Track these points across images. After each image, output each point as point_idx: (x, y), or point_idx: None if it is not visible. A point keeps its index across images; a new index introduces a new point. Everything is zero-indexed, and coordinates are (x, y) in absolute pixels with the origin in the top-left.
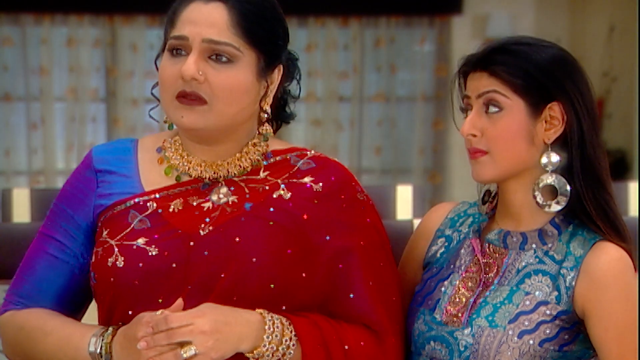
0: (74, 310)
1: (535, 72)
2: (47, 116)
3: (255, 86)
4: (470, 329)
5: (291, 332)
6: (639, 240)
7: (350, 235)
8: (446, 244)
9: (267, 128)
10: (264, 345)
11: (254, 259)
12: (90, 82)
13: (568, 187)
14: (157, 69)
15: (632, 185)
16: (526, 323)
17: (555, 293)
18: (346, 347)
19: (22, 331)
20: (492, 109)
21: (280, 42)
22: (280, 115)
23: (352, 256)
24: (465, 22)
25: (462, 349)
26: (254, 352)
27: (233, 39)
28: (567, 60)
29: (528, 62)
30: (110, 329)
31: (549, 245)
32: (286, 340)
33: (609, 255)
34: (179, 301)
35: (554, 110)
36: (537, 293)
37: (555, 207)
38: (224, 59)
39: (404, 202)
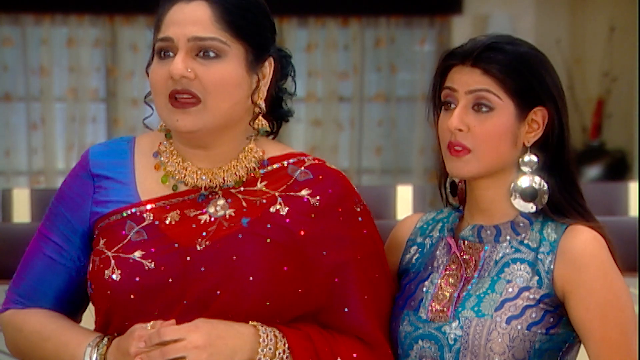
0: (73, 310)
1: (530, 75)
2: (47, 116)
3: (246, 80)
4: (457, 321)
5: (284, 344)
6: (639, 240)
7: (347, 249)
8: (419, 249)
9: (262, 122)
10: (259, 359)
11: (251, 278)
12: (91, 82)
13: (546, 192)
14: (147, 75)
15: (632, 186)
16: (512, 309)
17: (536, 277)
18: (338, 359)
19: (21, 333)
20: (483, 107)
21: (267, 33)
22: (277, 113)
23: (348, 270)
24: (466, 22)
25: (451, 342)
26: None
27: (219, 33)
28: (551, 65)
29: (523, 65)
30: (106, 339)
31: (523, 235)
32: (279, 353)
33: (583, 236)
34: (172, 322)
35: (537, 115)
36: (518, 280)
37: (532, 209)
38: (211, 54)
39: (404, 202)
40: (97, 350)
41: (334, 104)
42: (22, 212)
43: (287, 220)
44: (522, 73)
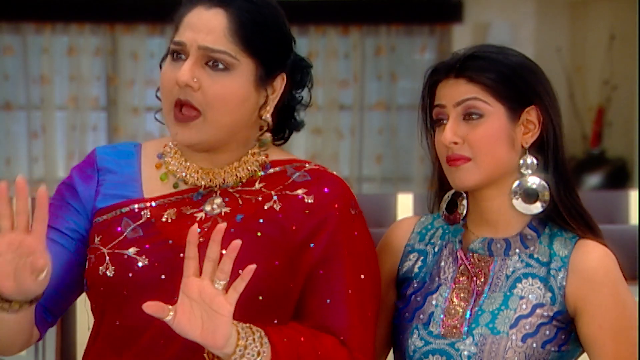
0: (57, 308)
1: (513, 76)
2: (47, 125)
3: (253, 95)
4: (472, 338)
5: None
6: (639, 248)
7: (335, 244)
8: (422, 257)
9: (265, 135)
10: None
11: (241, 272)
12: (91, 91)
13: (547, 190)
14: (160, 69)
15: (633, 194)
16: (527, 327)
17: (549, 294)
18: (320, 352)
19: None
20: (473, 116)
21: (282, 50)
22: (287, 124)
23: (334, 263)
24: (466, 30)
25: (465, 359)
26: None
27: (229, 47)
28: (537, 67)
29: (505, 67)
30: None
31: (532, 248)
32: None
33: (595, 253)
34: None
35: (531, 114)
36: (531, 296)
37: (537, 209)
38: (220, 66)
39: (404, 210)
40: None
41: (334, 112)
42: None
43: (280, 216)
44: (506, 75)
